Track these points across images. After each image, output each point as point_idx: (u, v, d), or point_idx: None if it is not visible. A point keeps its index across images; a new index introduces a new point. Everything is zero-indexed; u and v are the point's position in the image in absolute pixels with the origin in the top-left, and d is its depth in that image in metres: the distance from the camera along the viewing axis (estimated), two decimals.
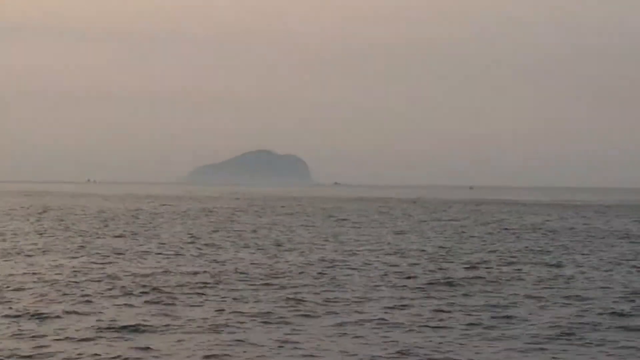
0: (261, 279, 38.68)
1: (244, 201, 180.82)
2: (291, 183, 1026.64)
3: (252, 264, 45.67)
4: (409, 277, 40.23)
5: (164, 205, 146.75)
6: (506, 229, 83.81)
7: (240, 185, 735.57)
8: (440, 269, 44.45)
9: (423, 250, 55.85)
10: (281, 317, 28.80)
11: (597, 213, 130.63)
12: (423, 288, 36.67)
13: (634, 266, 47.21)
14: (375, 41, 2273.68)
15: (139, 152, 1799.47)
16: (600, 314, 30.49)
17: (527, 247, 60.02)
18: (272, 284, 37.05)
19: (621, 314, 30.48)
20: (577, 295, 34.99)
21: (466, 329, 27.26)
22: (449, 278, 39.87)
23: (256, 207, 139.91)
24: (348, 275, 41.02)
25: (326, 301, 32.44)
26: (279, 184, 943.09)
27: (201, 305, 31.04)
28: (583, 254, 54.26)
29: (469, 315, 29.77)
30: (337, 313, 29.92)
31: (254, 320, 28.19)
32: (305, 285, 36.99)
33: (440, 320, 28.77)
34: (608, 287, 37.68)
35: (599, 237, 72.50)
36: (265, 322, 27.88)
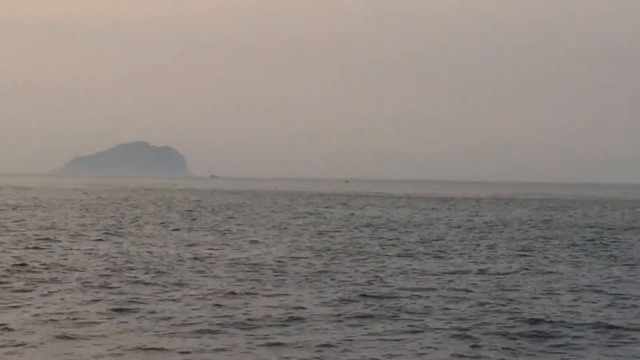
0: None
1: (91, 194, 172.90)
2: (167, 175, 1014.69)
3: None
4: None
5: None
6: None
7: (113, 177, 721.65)
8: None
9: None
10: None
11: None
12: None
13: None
14: (256, 33, 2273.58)
15: (13, 144, 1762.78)
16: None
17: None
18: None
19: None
20: None
21: None
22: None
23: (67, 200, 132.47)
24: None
25: None
26: (154, 176, 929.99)
27: None
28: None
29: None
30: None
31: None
32: None
33: None
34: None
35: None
36: None
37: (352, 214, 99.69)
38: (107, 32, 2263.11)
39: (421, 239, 61.92)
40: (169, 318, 26.66)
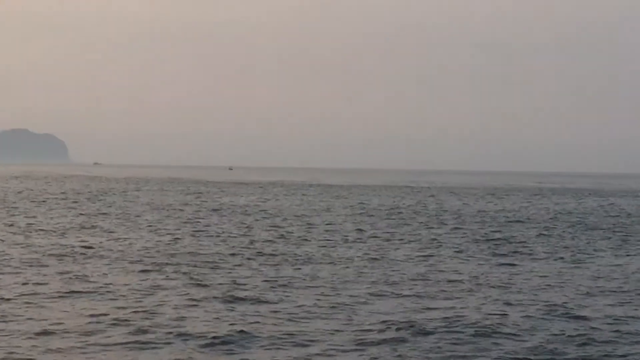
0: None
1: None
2: (47, 163, 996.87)
3: None
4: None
5: None
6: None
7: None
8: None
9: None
10: None
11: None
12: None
13: None
14: (134, 16, 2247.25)
15: None
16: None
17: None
18: None
19: None
20: None
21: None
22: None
23: None
24: None
25: None
26: (35, 163, 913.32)
27: None
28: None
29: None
30: None
31: None
32: None
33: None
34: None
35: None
36: None
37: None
38: None
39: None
40: None
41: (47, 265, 33.63)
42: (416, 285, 30.60)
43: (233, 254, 38.71)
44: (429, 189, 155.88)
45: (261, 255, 38.53)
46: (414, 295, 28.25)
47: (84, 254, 38.06)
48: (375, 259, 38.47)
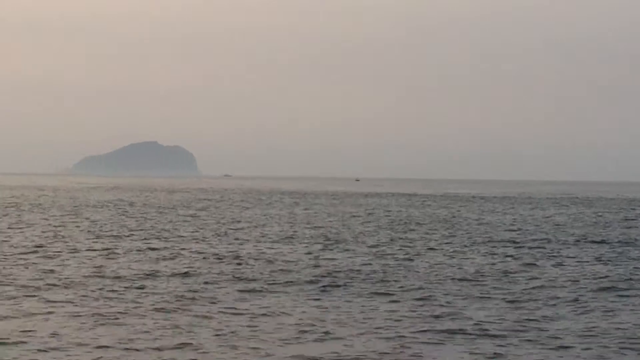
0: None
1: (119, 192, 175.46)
2: (178, 175, 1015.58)
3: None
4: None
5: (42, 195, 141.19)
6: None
7: (123, 176, 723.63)
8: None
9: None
10: None
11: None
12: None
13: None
14: (252, 27, 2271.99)
15: (23, 143, 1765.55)
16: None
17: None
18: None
19: None
20: None
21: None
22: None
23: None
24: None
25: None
26: (166, 175, 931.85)
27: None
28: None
29: None
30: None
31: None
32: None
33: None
34: None
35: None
36: None
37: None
38: (111, 32, 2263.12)
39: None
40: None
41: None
42: None
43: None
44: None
45: None
46: None
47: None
48: None
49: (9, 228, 63.70)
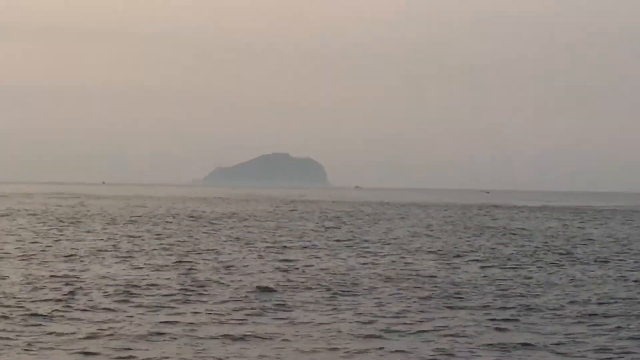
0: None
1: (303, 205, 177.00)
2: (308, 186, 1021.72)
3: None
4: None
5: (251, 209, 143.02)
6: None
7: (254, 187, 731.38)
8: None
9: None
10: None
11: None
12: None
13: None
14: (387, 44, 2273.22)
15: (154, 154, 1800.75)
16: None
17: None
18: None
19: None
20: None
21: None
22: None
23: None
24: None
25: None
26: (296, 187, 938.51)
27: None
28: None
29: None
30: None
31: None
32: None
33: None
34: None
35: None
36: None
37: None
38: (245, 47, 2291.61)
39: None
40: None
41: None
42: None
43: None
44: None
45: None
46: None
47: None
48: None
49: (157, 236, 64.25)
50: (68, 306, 28.65)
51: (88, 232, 68.26)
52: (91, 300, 30.12)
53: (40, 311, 27.45)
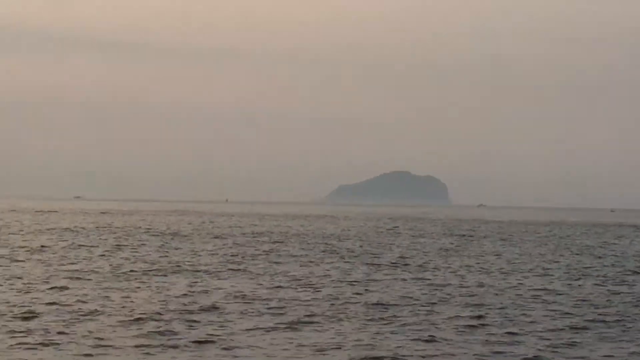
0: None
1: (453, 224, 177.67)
2: (430, 204, 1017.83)
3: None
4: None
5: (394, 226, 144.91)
6: None
7: (376, 206, 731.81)
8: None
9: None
10: None
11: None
12: None
13: None
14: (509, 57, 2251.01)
15: (276, 173, 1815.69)
16: None
17: None
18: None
19: None
20: None
21: None
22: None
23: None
24: None
25: None
26: (417, 205, 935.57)
27: None
28: None
29: None
30: None
31: None
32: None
33: None
34: None
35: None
36: None
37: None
38: (357, 62, 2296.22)
39: None
40: None
41: None
42: None
43: None
44: None
45: None
46: None
47: None
48: None
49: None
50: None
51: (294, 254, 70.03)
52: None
53: None
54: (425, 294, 39.63)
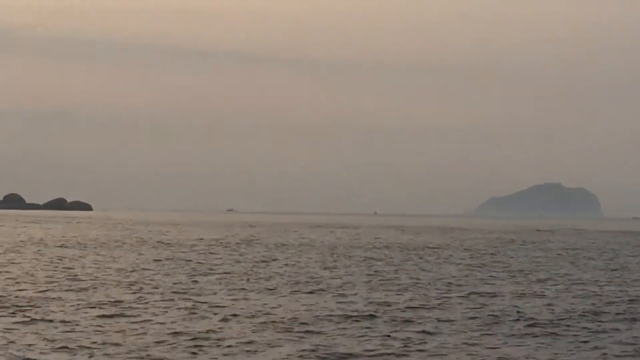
0: None
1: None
2: (580, 217, 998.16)
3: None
4: None
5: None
6: None
7: (526, 219, 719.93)
8: None
9: None
10: None
11: None
12: None
13: None
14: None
15: (423, 185, 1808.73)
16: None
17: None
18: None
19: None
20: None
21: None
22: None
23: None
24: None
25: None
26: (568, 217, 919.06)
27: None
28: None
29: None
30: None
31: None
32: None
33: None
34: None
35: None
36: None
37: None
38: (547, 77, 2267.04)
39: None
40: None
41: None
42: None
43: None
44: None
45: None
46: None
47: None
48: None
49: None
50: None
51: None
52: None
53: None
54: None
